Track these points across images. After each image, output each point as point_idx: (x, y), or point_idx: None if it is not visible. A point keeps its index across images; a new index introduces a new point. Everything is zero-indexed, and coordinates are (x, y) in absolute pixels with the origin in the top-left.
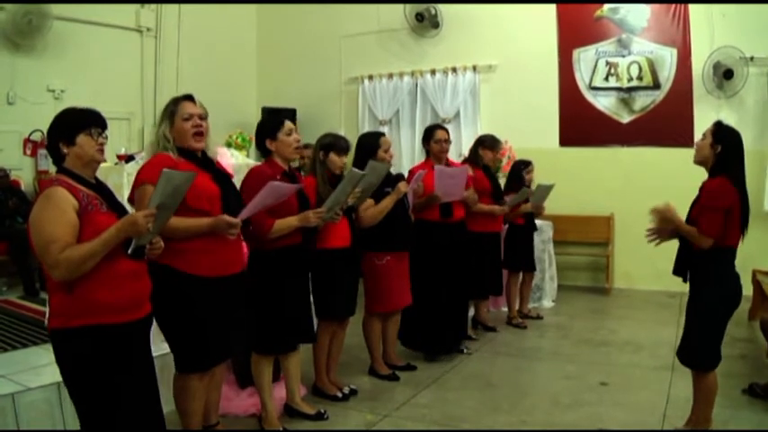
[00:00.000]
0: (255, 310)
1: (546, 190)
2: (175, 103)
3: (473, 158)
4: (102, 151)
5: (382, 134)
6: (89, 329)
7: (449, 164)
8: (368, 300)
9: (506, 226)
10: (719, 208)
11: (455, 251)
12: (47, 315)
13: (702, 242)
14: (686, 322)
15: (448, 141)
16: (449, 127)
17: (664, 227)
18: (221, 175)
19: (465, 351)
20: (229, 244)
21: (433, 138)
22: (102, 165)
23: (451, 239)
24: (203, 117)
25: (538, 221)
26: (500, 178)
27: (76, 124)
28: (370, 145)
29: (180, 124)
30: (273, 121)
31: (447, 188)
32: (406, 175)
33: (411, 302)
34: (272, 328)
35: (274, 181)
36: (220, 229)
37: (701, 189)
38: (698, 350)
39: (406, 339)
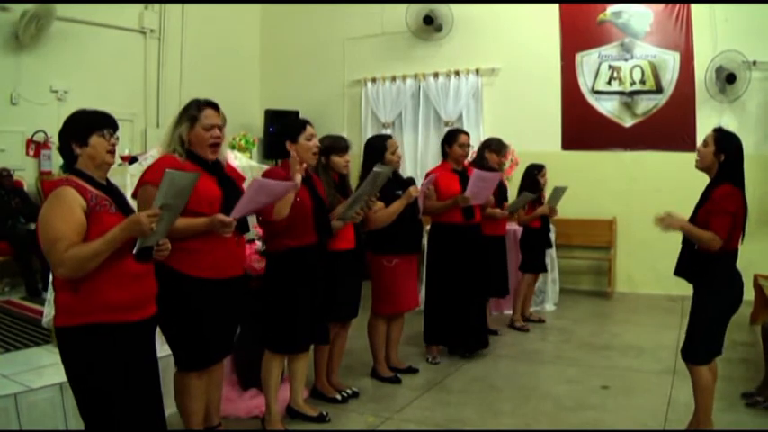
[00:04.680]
0: (270, 310)
1: (560, 192)
2: (199, 108)
3: (478, 161)
4: (113, 153)
5: (389, 137)
6: (94, 327)
7: (466, 168)
8: (374, 301)
9: (521, 229)
10: (730, 212)
11: (474, 252)
12: (44, 314)
13: (714, 244)
14: (690, 322)
15: (469, 146)
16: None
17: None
18: (226, 179)
19: (466, 354)
20: (227, 246)
21: (457, 141)
22: None
23: (472, 240)
24: (222, 127)
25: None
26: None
27: (89, 125)
28: (377, 147)
29: (200, 132)
30: (296, 123)
31: (478, 191)
32: (419, 176)
33: (417, 305)
34: (288, 328)
35: (259, 178)
36: (215, 228)
37: (708, 194)
38: (697, 347)
39: (430, 337)
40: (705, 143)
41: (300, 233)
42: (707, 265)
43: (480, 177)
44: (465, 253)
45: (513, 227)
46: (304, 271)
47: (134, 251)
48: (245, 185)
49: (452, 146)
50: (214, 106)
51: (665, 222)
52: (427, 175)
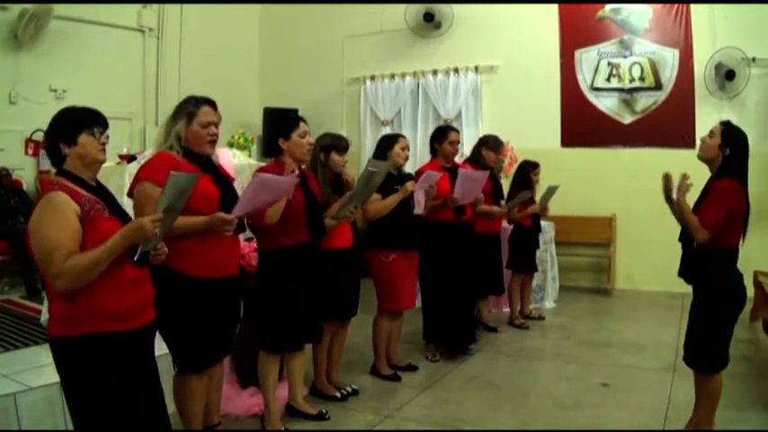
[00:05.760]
0: (263, 309)
1: (553, 191)
2: (197, 104)
3: (476, 159)
4: (104, 151)
5: (402, 135)
6: (93, 337)
7: (455, 165)
8: (379, 299)
9: (511, 227)
10: (727, 207)
11: (467, 249)
12: (43, 312)
13: (699, 234)
14: (690, 324)
15: (459, 143)
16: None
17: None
18: (222, 178)
19: (458, 353)
20: (225, 245)
21: (447, 139)
22: (104, 165)
23: (463, 238)
24: (217, 125)
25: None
26: (501, 179)
27: (78, 123)
28: (388, 141)
29: (197, 128)
30: (289, 120)
31: (466, 191)
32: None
33: (415, 305)
34: (279, 327)
35: (262, 174)
36: (216, 227)
37: (709, 189)
38: (704, 352)
39: (430, 336)
40: (711, 134)
41: (293, 231)
42: (706, 264)
43: (467, 177)
44: (456, 250)
45: (505, 224)
46: (296, 269)
47: (135, 257)
48: (236, 184)
49: (442, 143)
50: (211, 103)
51: (670, 184)
52: (417, 173)
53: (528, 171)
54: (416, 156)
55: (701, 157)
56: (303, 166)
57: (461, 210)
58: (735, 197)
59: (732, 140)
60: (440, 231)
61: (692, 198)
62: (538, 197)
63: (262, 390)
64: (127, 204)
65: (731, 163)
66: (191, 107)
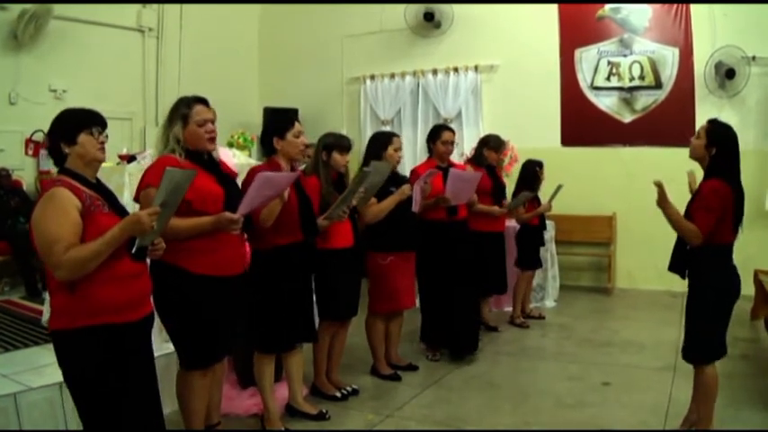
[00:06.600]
0: (256, 309)
1: (557, 190)
2: (189, 105)
3: (477, 158)
4: (103, 150)
5: (396, 134)
6: (92, 330)
7: (451, 165)
8: (371, 299)
9: (518, 226)
10: (714, 209)
11: (461, 248)
12: (44, 313)
13: (694, 239)
14: (686, 319)
15: (454, 143)
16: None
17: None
18: (225, 177)
19: (455, 357)
20: (231, 244)
21: (441, 138)
22: (105, 165)
23: (456, 237)
24: (213, 121)
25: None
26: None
27: (77, 123)
28: (382, 141)
29: (194, 128)
30: (284, 119)
31: (458, 192)
32: (407, 173)
33: (415, 305)
34: (272, 327)
35: (266, 172)
36: (222, 226)
37: (698, 190)
38: (698, 345)
39: (427, 337)
40: (698, 134)
41: (287, 231)
42: (698, 260)
43: (458, 177)
44: (450, 250)
45: (509, 223)
46: (288, 269)
47: (133, 250)
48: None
49: (436, 143)
50: (203, 101)
51: (661, 193)
52: (412, 172)
53: (536, 170)
54: (416, 155)
55: (691, 158)
56: (301, 168)
57: (454, 209)
58: (719, 198)
59: (717, 139)
60: (432, 230)
61: (688, 197)
62: (542, 196)
63: (259, 390)
64: (127, 203)
65: (718, 162)
66: (183, 109)
